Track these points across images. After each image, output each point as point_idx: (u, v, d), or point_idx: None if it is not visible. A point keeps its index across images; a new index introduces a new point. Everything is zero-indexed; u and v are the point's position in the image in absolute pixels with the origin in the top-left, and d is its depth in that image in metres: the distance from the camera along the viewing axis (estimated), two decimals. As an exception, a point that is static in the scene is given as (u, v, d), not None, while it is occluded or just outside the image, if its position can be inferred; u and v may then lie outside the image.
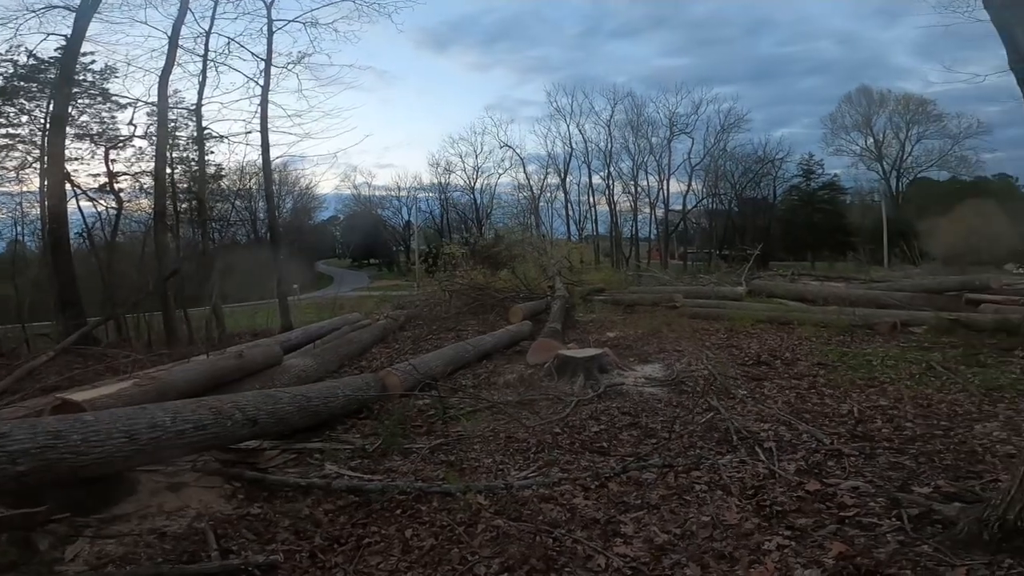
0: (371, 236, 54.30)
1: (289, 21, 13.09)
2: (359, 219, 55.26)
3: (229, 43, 12.64)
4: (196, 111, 12.92)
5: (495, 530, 2.72)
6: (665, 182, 45.20)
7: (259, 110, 12.69)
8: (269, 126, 12.88)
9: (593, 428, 4.30)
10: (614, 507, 2.94)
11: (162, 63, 11.53)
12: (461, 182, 50.17)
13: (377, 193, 54.60)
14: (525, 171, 47.90)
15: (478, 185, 49.51)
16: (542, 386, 5.57)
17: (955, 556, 2.24)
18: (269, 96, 12.70)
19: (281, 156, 19.78)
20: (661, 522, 2.75)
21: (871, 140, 45.13)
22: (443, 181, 50.20)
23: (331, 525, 2.86)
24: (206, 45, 12.48)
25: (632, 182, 45.45)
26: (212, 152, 16.34)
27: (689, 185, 45.05)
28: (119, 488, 3.06)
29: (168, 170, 13.77)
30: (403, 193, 52.84)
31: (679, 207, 45.80)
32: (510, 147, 47.32)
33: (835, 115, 46.12)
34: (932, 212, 36.24)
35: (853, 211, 45.24)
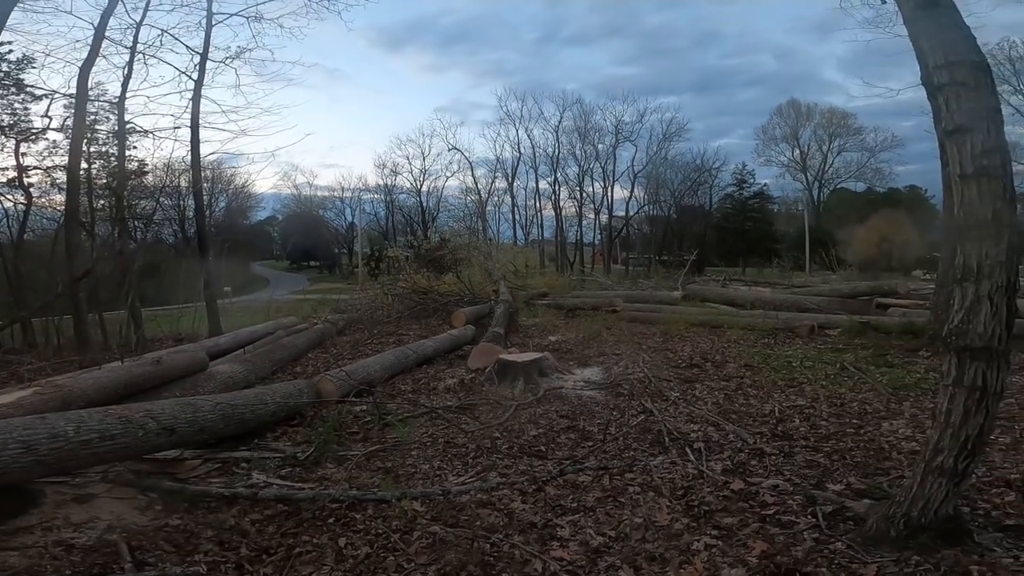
0: (311, 237, 52.63)
1: (231, 15, 12.48)
2: (299, 220, 53.49)
3: (162, 35, 11.95)
4: (119, 104, 12.11)
5: (431, 537, 2.70)
6: (609, 188, 46.52)
7: (190, 105, 12.04)
8: (201, 122, 12.26)
9: (532, 432, 4.34)
10: (551, 511, 2.97)
11: (85, 54, 10.77)
12: (408, 184, 49.64)
13: (319, 194, 53.14)
14: (473, 175, 47.96)
15: (425, 188, 49.14)
16: (482, 391, 5.56)
17: (866, 553, 2.38)
18: (203, 91, 12.10)
19: (213, 153, 18.76)
20: (596, 524, 2.80)
21: (797, 152, 48.45)
22: (389, 183, 49.50)
23: (259, 535, 2.76)
24: (135, 37, 11.73)
25: (578, 188, 46.46)
26: (135, 147, 15.30)
27: (632, 192, 46.55)
28: (21, 500, 2.87)
29: (85, 165, 12.82)
30: (347, 194, 51.67)
31: (622, 213, 47.27)
32: (459, 150, 47.25)
33: (767, 127, 49.51)
34: (849, 221, 39.23)
35: (780, 219, 48.26)
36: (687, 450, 3.79)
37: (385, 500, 3.05)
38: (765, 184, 48.87)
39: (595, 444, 4.01)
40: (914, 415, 4.51)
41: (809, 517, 2.75)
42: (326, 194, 53.24)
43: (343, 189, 52.13)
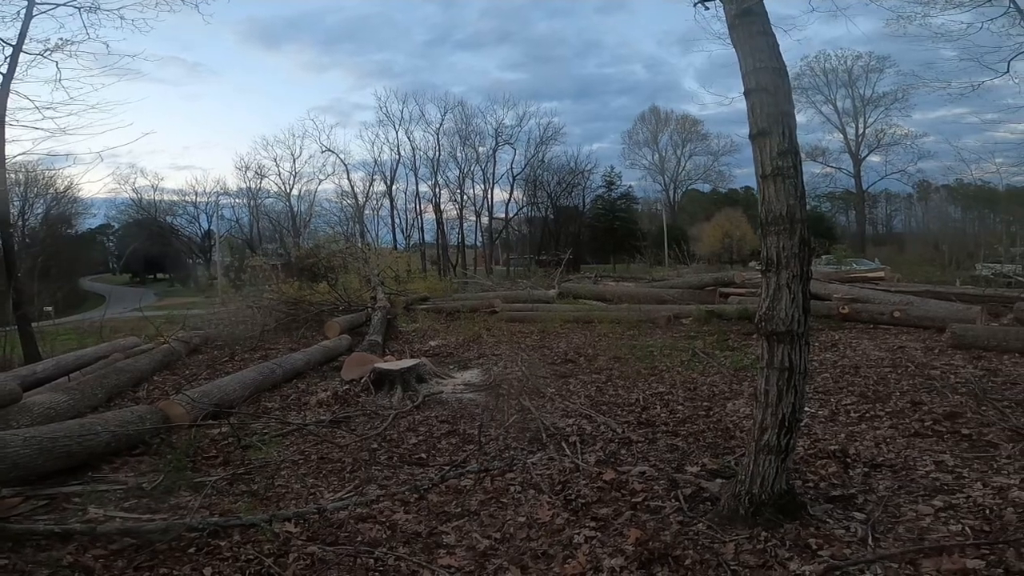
0: (158, 247, 46.72)
1: (58, 5, 10.70)
2: (141, 227, 47.25)
3: None
4: None
5: (309, 557, 2.55)
6: (490, 190, 47.28)
7: (-5, 100, 10.12)
8: (8, 119, 10.38)
9: (412, 440, 4.26)
10: (435, 518, 2.94)
11: None
12: (275, 188, 46.24)
13: (167, 198, 47.56)
14: (349, 178, 46.05)
15: (296, 191, 46.15)
16: (358, 402, 5.34)
17: (723, 532, 2.59)
18: (13, 86, 10.26)
19: (23, 153, 15.89)
20: (482, 528, 2.82)
21: (657, 155, 53.27)
22: (253, 186, 45.69)
23: (106, 571, 2.48)
24: None
25: (459, 190, 46.57)
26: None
27: (511, 193, 47.76)
28: None
29: None
30: (202, 199, 46.79)
31: (503, 215, 48.23)
32: (333, 152, 45.04)
33: (631, 132, 53.87)
34: (698, 219, 43.90)
35: (643, 218, 52.57)
36: (563, 444, 3.94)
37: (253, 524, 2.82)
38: (630, 186, 53.08)
39: (476, 447, 4.03)
40: (751, 394, 5.08)
41: (673, 501, 2.96)
42: (175, 198, 47.92)
43: (196, 193, 47.29)
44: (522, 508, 3.01)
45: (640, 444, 3.93)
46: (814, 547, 2.40)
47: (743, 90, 2.66)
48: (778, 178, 2.52)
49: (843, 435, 3.89)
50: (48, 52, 10.88)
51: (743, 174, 53.23)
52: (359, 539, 2.72)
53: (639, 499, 3.02)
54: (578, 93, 70.31)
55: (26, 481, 3.51)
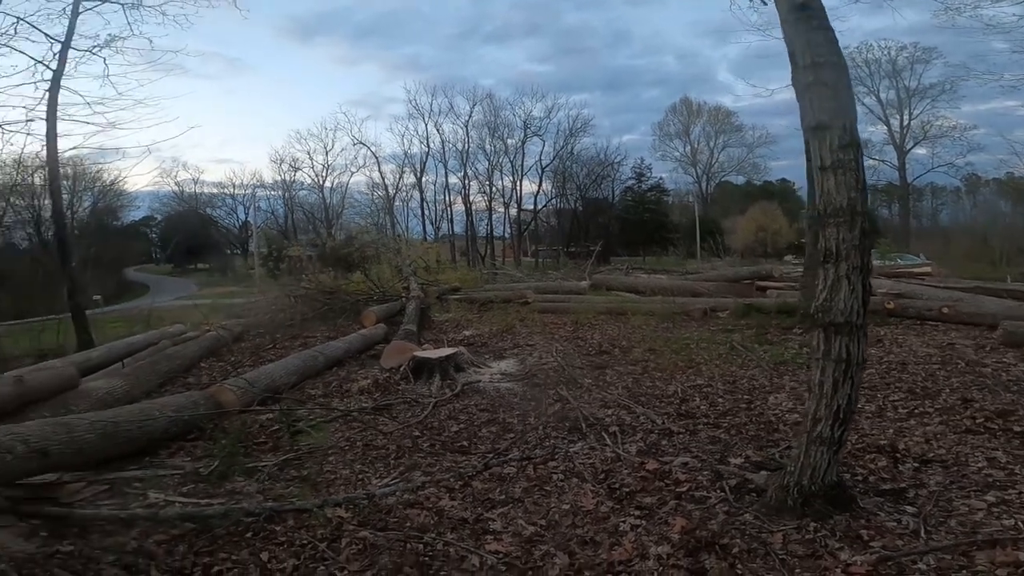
0: (199, 238, 48.39)
1: (103, 1, 11.15)
2: (183, 219, 48.95)
3: (17, 23, 10.45)
4: None
5: (361, 542, 2.62)
6: (518, 182, 47.26)
7: (47, 96, 10.63)
8: (61, 114, 10.89)
9: (453, 428, 4.34)
10: (480, 505, 2.99)
11: None
12: (309, 180, 47.20)
13: (207, 190, 49.06)
14: (380, 169, 46.64)
15: (328, 184, 47.02)
16: (399, 390, 5.45)
17: (771, 523, 2.60)
18: (64, 82, 10.74)
19: (75, 148, 16.61)
20: (527, 514, 2.86)
21: (688, 147, 52.29)
22: (288, 179, 46.74)
23: (169, 556, 2.55)
24: None
25: (488, 182, 46.69)
26: (-22, 143, 13.28)
27: (540, 185, 47.62)
28: None
29: None
30: (239, 191, 48.11)
31: (531, 206, 48.22)
32: (364, 144, 45.73)
33: (662, 123, 53.04)
34: (732, 212, 42.99)
35: (674, 210, 51.75)
36: (603, 435, 3.96)
37: (306, 509, 2.91)
38: (661, 178, 52.25)
39: (516, 435, 4.08)
40: (793, 388, 5.03)
41: (718, 492, 2.96)
42: (215, 191, 49.36)
43: (234, 186, 48.67)
44: (566, 496, 3.04)
45: (681, 435, 3.92)
46: (865, 538, 2.40)
47: (799, 83, 2.66)
48: (839, 170, 2.53)
49: (891, 430, 3.81)
50: (97, 48, 11.34)
51: (779, 166, 52.10)
52: (408, 524, 2.78)
53: (683, 489, 3.03)
54: (608, 85, 69.34)
55: (88, 466, 3.57)
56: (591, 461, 3.51)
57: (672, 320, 9.31)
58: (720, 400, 4.77)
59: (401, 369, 5.86)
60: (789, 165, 55.84)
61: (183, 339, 8.63)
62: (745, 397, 4.83)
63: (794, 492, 2.64)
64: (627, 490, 3.06)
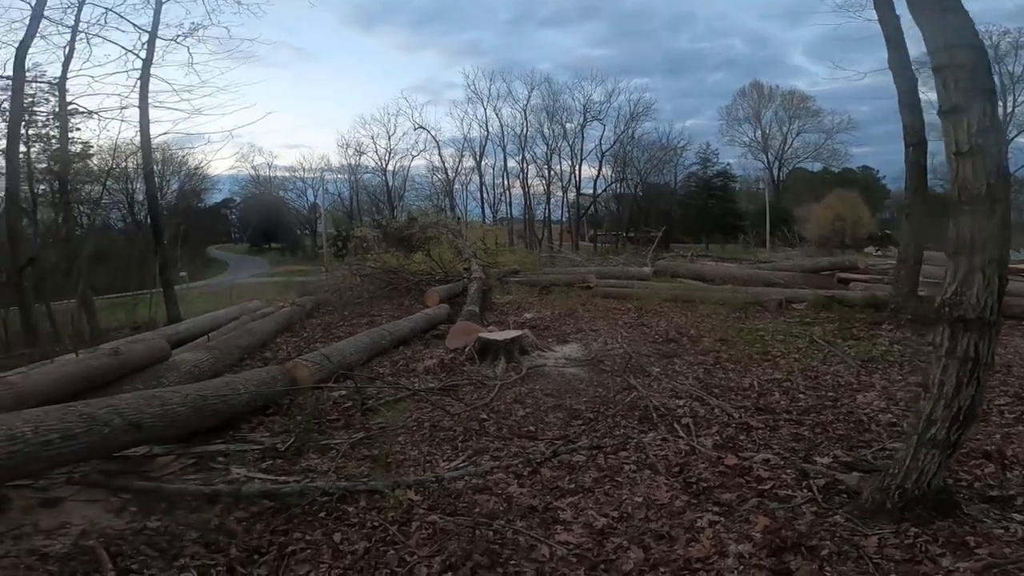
0: (272, 219, 51.08)
1: None
2: (259, 201, 51.75)
3: (106, 14, 11.29)
4: (60, 85, 11.44)
5: (431, 527, 2.61)
6: (577, 167, 46.83)
7: (138, 84, 11.42)
8: (151, 101, 11.68)
9: (519, 412, 4.29)
10: (549, 493, 2.93)
11: (20, 35, 10.19)
12: (372, 163, 48.61)
13: (279, 174, 51.56)
14: (440, 153, 47.30)
15: (390, 167, 48.24)
16: (464, 371, 5.48)
17: (865, 525, 2.43)
18: (152, 70, 11.49)
19: (166, 133, 17.95)
20: (598, 505, 2.78)
21: (759, 132, 49.55)
22: (353, 163, 48.34)
23: (247, 534, 2.60)
24: (77, 16, 11.14)
25: (546, 166, 46.49)
26: (78, 129, 14.53)
27: (599, 170, 46.94)
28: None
29: (24, 148, 12.21)
30: (309, 174, 50.21)
31: (590, 191, 47.56)
32: (425, 129, 46.53)
33: (730, 108, 50.40)
34: (806, 200, 40.46)
35: (741, 197, 49.40)
36: (676, 426, 3.81)
37: (377, 490, 2.93)
38: (728, 163, 50.02)
39: (585, 423, 4.00)
40: (884, 387, 4.67)
41: (805, 491, 2.79)
42: (286, 174, 51.75)
43: (304, 169, 50.78)
44: (638, 488, 2.94)
45: (760, 431, 3.71)
46: (971, 544, 2.23)
47: (931, 66, 2.49)
48: (977, 156, 2.32)
49: (998, 436, 3.47)
50: (181, 37, 12.04)
51: (861, 153, 48.50)
52: (477, 510, 2.76)
53: (766, 487, 2.87)
54: (670, 69, 67.00)
55: (176, 439, 3.64)
56: (664, 453, 3.38)
57: (744, 310, 8.87)
58: (801, 396, 4.49)
59: (466, 350, 5.88)
60: (872, 152, 51.93)
61: (260, 315, 9.08)
62: (830, 394, 4.52)
63: (895, 495, 2.48)
64: (704, 485, 2.92)
